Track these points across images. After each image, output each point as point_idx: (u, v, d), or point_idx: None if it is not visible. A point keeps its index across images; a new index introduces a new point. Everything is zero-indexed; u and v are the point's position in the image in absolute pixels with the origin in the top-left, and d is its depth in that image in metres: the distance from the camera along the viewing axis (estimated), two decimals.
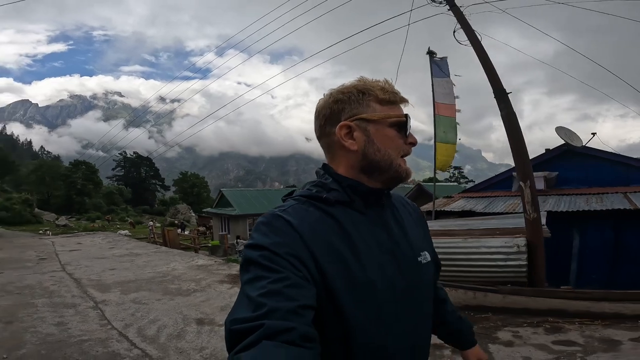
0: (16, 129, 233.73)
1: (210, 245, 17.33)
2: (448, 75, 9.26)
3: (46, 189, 43.85)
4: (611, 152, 9.63)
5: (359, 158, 0.74)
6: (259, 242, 0.63)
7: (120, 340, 3.89)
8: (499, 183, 10.79)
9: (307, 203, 0.72)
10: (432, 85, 9.15)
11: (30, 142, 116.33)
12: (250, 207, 21.50)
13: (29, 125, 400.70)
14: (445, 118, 9.28)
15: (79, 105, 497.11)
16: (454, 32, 5.46)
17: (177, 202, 52.79)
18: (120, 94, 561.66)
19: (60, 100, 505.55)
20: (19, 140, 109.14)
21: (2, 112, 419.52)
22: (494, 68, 5.29)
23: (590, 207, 7.31)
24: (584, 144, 9.32)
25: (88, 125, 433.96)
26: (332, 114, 0.76)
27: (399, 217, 0.80)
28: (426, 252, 0.80)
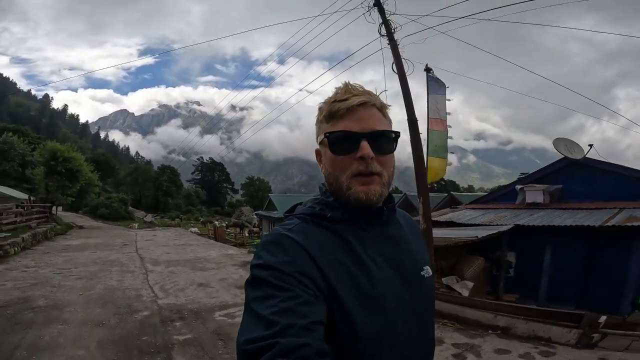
0: (116, 136, 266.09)
1: (255, 243, 19.91)
2: (444, 92, 10.15)
3: (139, 189, 50.70)
4: (618, 165, 9.25)
5: (326, 180, 0.75)
6: (268, 262, 0.63)
7: (147, 289, 6.22)
8: (506, 195, 10.99)
9: (311, 222, 0.71)
10: (428, 101, 10.14)
11: (127, 148, 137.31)
12: None
13: (126, 133, 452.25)
14: (436, 133, 10.17)
15: (166, 113, 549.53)
16: (392, 64, 6.68)
17: (242, 204, 57.60)
18: (198, 103, 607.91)
19: (152, 110, 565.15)
20: (119, 146, 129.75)
21: (106, 120, 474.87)
22: (411, 98, 6.41)
23: (557, 223, 7.33)
24: (584, 155, 9.30)
25: (171, 132, 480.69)
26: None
27: (402, 233, 0.79)
28: (428, 267, 0.80)
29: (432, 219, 10.28)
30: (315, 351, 0.53)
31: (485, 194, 16.29)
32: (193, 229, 27.21)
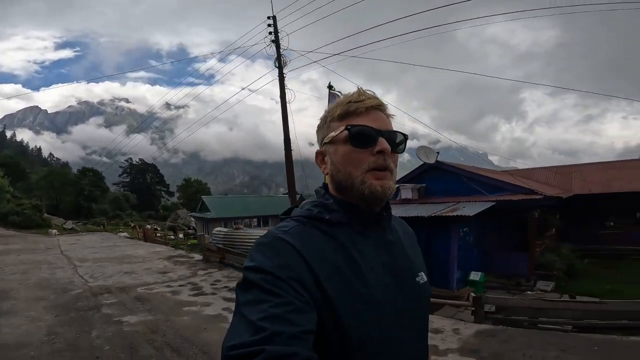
0: (25, 136, 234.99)
1: (189, 244, 20.91)
2: None
3: (56, 194, 46.58)
4: (454, 166, 12.17)
5: (331, 180, 0.77)
6: (261, 265, 0.62)
7: (78, 278, 7.65)
8: None
9: (308, 224, 0.71)
10: None
11: (39, 149, 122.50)
12: (226, 211, 25.25)
13: (37, 132, 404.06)
14: None
15: (87, 111, 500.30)
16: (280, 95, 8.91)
17: (178, 207, 55.99)
18: (127, 100, 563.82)
19: (69, 107, 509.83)
20: (29, 146, 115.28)
21: (12, 118, 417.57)
22: (287, 121, 8.76)
23: (403, 215, 10.17)
24: (436, 160, 12.43)
25: (91, 131, 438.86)
26: (318, 141, 0.80)
27: (398, 238, 0.81)
28: (422, 273, 0.81)
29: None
30: None
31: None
32: (122, 234, 26.89)
